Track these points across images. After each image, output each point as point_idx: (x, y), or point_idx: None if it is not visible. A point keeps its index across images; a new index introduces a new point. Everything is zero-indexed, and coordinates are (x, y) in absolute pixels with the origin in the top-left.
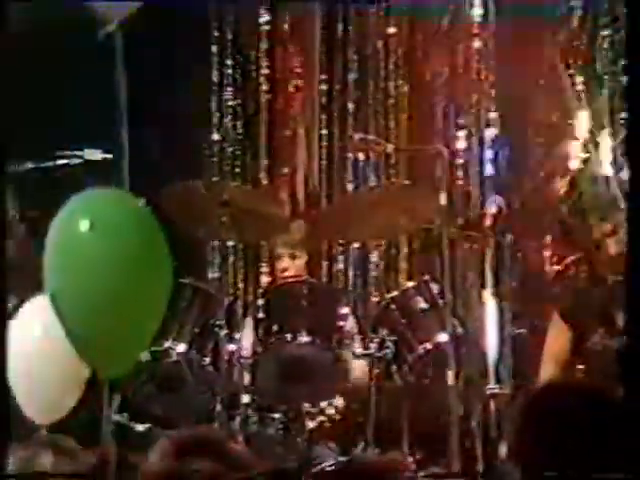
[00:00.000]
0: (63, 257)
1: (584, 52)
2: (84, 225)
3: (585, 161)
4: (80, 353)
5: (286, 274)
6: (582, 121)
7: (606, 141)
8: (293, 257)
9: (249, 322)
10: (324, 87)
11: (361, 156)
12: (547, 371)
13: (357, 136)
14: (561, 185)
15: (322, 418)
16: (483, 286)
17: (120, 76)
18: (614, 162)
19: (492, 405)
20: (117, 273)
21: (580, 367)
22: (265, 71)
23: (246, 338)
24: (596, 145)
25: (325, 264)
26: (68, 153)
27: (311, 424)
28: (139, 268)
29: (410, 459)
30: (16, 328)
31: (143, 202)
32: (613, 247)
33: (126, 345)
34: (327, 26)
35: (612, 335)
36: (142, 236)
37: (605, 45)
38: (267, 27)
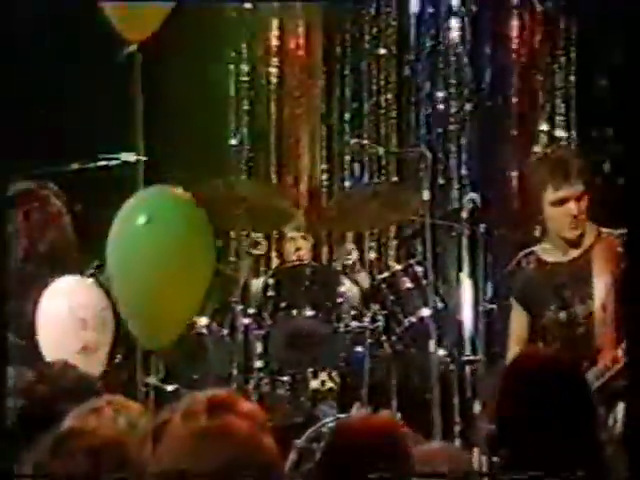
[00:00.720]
0: (123, 246)
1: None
2: (142, 219)
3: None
4: (132, 327)
5: (301, 253)
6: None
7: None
8: (304, 238)
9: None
10: (325, 98)
11: (357, 157)
12: (512, 348)
13: (353, 141)
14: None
15: (323, 381)
16: (460, 269)
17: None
18: None
19: (467, 370)
20: (169, 259)
21: (539, 341)
22: (274, 81)
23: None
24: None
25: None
26: (108, 156)
27: (314, 386)
28: (187, 255)
29: (398, 416)
30: (46, 304)
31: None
32: (572, 212)
33: (170, 322)
34: (328, 47)
35: (561, 309)
36: (190, 227)
37: None
38: (277, 43)
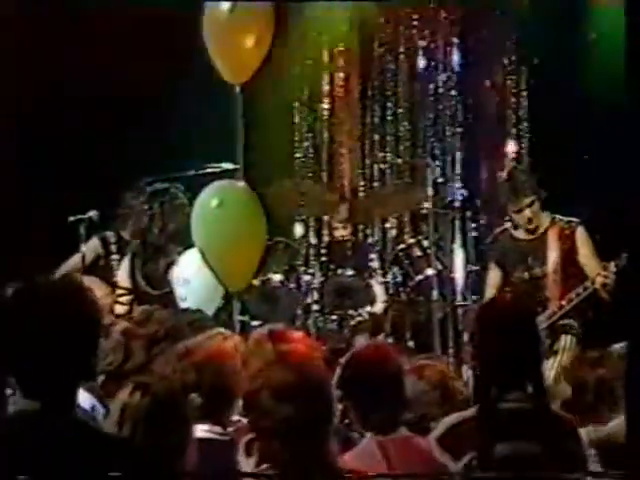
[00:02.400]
0: (204, 223)
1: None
2: (214, 202)
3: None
4: (219, 279)
5: (344, 232)
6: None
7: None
8: (345, 227)
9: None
10: (360, 124)
11: (382, 165)
12: (489, 294)
13: (380, 154)
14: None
15: (359, 320)
16: (453, 242)
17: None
18: None
19: (459, 311)
20: (231, 230)
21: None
22: (326, 113)
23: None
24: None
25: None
26: (214, 165)
27: (353, 322)
28: (249, 227)
29: (411, 343)
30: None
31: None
32: (528, 216)
33: (242, 274)
34: (362, 90)
35: (525, 270)
36: (248, 207)
37: None
38: (327, 87)
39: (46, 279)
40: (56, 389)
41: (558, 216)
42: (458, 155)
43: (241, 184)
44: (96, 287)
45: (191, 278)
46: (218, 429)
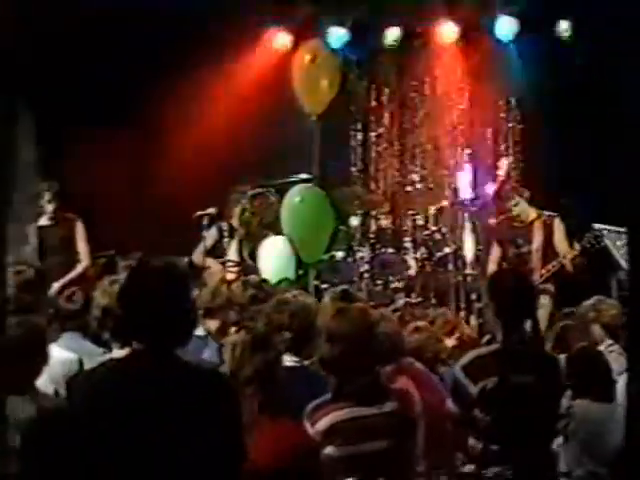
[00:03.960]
0: (290, 215)
1: None
2: (297, 199)
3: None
4: (300, 254)
5: (384, 222)
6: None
7: None
8: (386, 219)
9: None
10: (398, 146)
11: (412, 175)
12: (491, 268)
13: (410, 167)
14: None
15: (397, 284)
16: (463, 228)
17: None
18: None
19: (468, 279)
20: (309, 220)
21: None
22: (373, 134)
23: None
24: None
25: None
26: (295, 175)
27: (393, 286)
28: (321, 218)
29: (434, 301)
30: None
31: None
32: (515, 212)
33: (316, 251)
34: (401, 124)
35: (516, 248)
36: (320, 204)
37: None
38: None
39: (160, 259)
40: (168, 335)
41: (542, 211)
42: (466, 167)
43: (316, 187)
44: (213, 263)
45: (275, 255)
46: (298, 359)
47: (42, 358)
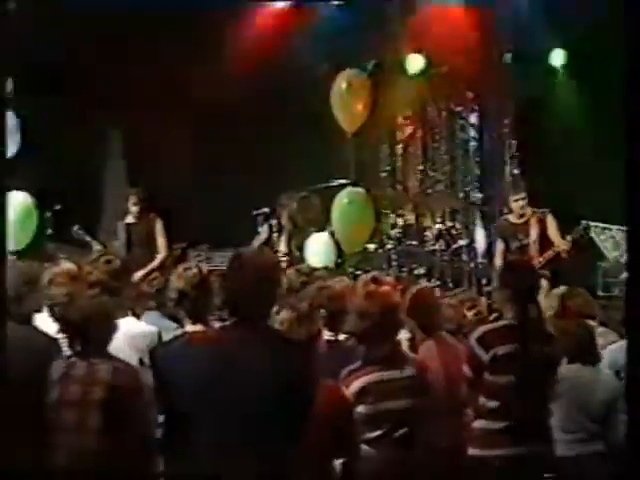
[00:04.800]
0: (340, 214)
1: None
2: (346, 200)
3: None
4: (341, 245)
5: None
6: None
7: None
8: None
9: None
10: (421, 157)
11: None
12: (497, 259)
13: (431, 173)
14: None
15: (420, 271)
16: (475, 224)
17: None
18: None
19: (479, 266)
20: (354, 217)
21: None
22: (400, 147)
23: None
24: None
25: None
26: (334, 181)
27: (416, 272)
28: (361, 215)
29: (451, 285)
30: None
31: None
32: (521, 204)
33: (354, 242)
34: (424, 139)
35: (518, 241)
36: (363, 204)
37: None
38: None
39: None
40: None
41: (536, 209)
42: (477, 172)
43: (362, 190)
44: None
45: (318, 248)
46: (333, 334)
47: (109, 326)
